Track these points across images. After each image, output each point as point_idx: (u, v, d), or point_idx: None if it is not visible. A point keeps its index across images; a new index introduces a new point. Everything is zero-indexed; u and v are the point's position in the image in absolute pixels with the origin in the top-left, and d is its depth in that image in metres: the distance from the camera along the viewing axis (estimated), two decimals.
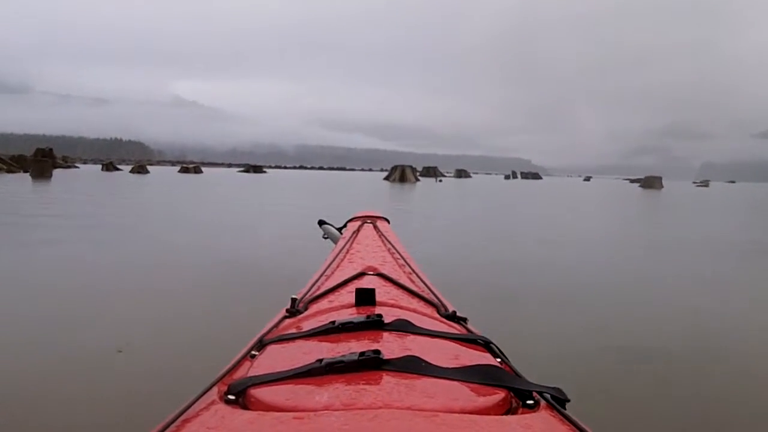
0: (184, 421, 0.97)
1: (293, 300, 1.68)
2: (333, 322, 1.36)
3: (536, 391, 1.07)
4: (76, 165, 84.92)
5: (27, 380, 3.66)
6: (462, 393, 1.03)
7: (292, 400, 0.99)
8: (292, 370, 1.09)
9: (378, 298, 1.60)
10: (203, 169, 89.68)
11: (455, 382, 1.07)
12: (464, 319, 1.63)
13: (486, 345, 1.38)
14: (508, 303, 6.17)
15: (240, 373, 1.20)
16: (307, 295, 1.78)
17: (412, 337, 1.32)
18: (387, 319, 1.36)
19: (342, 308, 1.59)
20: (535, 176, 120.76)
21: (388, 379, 1.06)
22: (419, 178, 70.04)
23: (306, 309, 1.66)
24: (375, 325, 1.34)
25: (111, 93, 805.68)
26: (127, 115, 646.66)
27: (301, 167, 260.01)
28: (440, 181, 70.89)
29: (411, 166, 68.97)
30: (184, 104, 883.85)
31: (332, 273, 2.11)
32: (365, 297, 1.58)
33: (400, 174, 65.95)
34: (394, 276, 1.96)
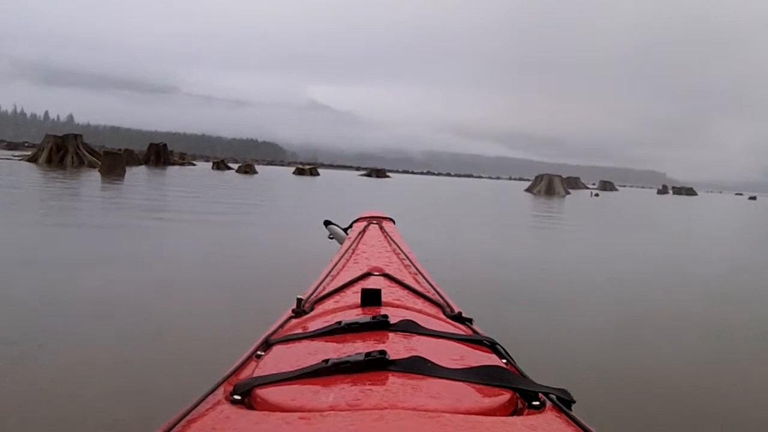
0: (190, 421, 0.98)
1: (299, 300, 1.69)
2: (339, 323, 1.38)
3: (542, 392, 1.07)
4: (193, 162, 79.95)
5: None
6: (467, 394, 1.05)
7: (298, 400, 1.00)
8: (297, 370, 1.11)
9: (384, 298, 1.61)
10: (324, 171, 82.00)
11: (461, 383, 1.08)
12: (470, 320, 1.64)
13: (492, 346, 1.38)
14: None
15: (246, 373, 1.21)
16: (312, 296, 1.80)
17: (417, 337, 1.33)
18: (393, 320, 1.37)
19: (348, 309, 1.61)
20: (689, 192, 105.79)
21: (394, 380, 1.07)
22: (569, 191, 58.32)
23: (312, 309, 1.67)
24: (381, 325, 1.35)
25: (249, 96, 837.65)
26: (263, 118, 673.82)
27: (429, 173, 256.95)
28: (597, 195, 58.94)
29: (559, 176, 57.70)
30: (318, 108, 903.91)
31: (338, 273, 2.12)
32: (371, 297, 1.59)
33: (547, 185, 55.07)
34: (399, 276, 1.97)
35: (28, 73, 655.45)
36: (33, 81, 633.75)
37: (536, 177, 58.54)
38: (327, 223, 3.90)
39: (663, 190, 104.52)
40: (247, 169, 59.12)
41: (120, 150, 61.76)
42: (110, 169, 32.64)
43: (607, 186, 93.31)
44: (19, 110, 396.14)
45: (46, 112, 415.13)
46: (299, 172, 68.34)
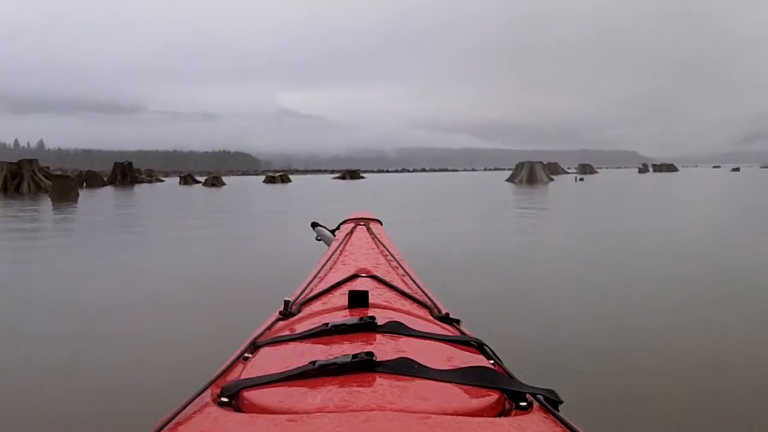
0: (177, 423, 0.97)
1: (286, 302, 1.68)
2: (326, 324, 1.37)
3: (529, 393, 1.07)
4: (162, 179, 77.35)
5: None
6: (455, 395, 1.04)
7: (286, 402, 1.00)
8: (285, 372, 1.11)
9: (371, 300, 1.60)
10: (299, 177, 79.30)
11: (448, 384, 1.07)
12: (457, 321, 1.62)
13: (479, 347, 1.38)
14: None
15: (233, 376, 1.21)
16: (300, 297, 1.80)
17: (405, 339, 1.32)
18: (380, 321, 1.37)
19: (335, 310, 1.60)
20: (670, 168, 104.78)
21: (381, 381, 1.07)
22: (552, 177, 56.10)
23: (299, 311, 1.66)
24: (368, 327, 1.34)
25: (219, 108, 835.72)
26: (234, 129, 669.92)
27: (404, 170, 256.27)
28: (582, 179, 56.70)
29: (541, 162, 55.62)
30: (289, 114, 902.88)
31: (325, 275, 2.11)
32: (358, 299, 1.58)
33: (529, 173, 52.90)
34: (387, 278, 1.96)
35: None
36: (0, 111, 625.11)
37: (516, 165, 56.12)
38: (314, 224, 3.86)
39: (643, 169, 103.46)
40: (214, 182, 57.21)
41: (80, 172, 59.60)
42: (61, 195, 30.08)
43: (586, 169, 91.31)
44: None
45: (16, 140, 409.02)
46: (270, 180, 66.56)
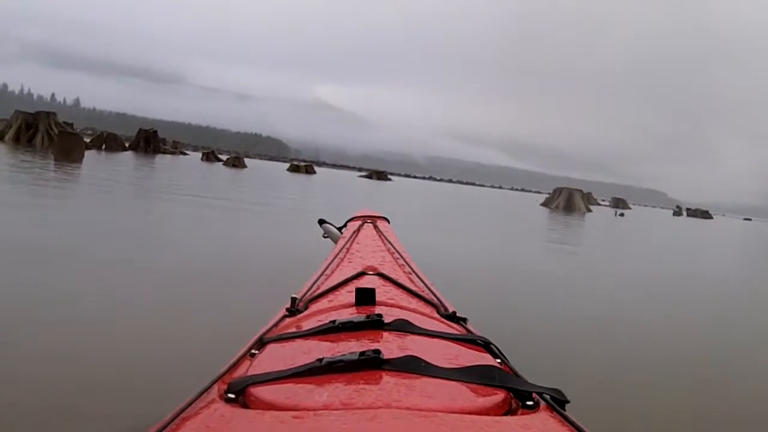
0: (184, 419, 0.97)
1: (293, 299, 1.69)
2: (333, 322, 1.37)
3: (536, 392, 1.07)
4: (185, 152, 75.40)
5: None
6: (461, 393, 1.05)
7: (292, 399, 1.00)
8: (291, 369, 1.10)
9: (378, 297, 1.59)
10: (325, 170, 76.46)
11: (455, 383, 1.08)
12: (464, 320, 1.62)
13: (486, 345, 1.38)
14: None
15: (240, 372, 1.21)
16: (307, 295, 1.79)
17: (411, 337, 1.32)
18: (387, 319, 1.36)
19: (342, 308, 1.59)
20: (705, 215, 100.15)
21: (388, 379, 1.07)
22: (590, 208, 52.61)
23: (306, 308, 1.66)
24: (375, 324, 1.34)
25: (255, 90, 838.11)
26: (268, 113, 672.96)
27: (431, 178, 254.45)
28: (622, 215, 52.86)
29: (580, 190, 51.97)
30: (323, 106, 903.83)
31: (332, 272, 2.10)
32: (365, 296, 1.58)
33: (567, 200, 49.27)
34: (393, 276, 1.96)
35: (37, 55, 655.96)
36: (41, 64, 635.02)
37: (554, 190, 52.67)
38: (321, 221, 3.83)
39: (678, 212, 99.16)
40: (236, 163, 53.89)
41: (100, 133, 57.31)
42: (65, 152, 27.91)
43: (619, 204, 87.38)
44: (26, 91, 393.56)
45: (53, 95, 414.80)
46: (294, 169, 62.88)
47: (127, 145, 55.00)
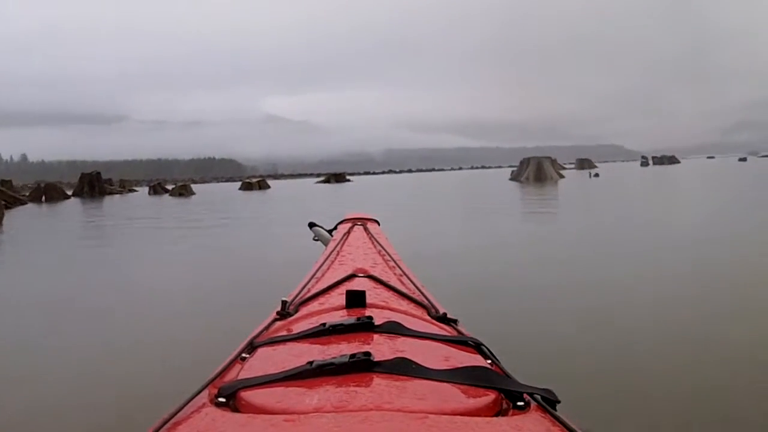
0: (175, 424, 0.97)
1: (284, 302, 1.68)
2: (323, 324, 1.36)
3: (527, 393, 1.07)
4: (135, 189, 71.99)
5: None
6: (452, 395, 1.04)
7: (283, 402, 0.99)
8: (282, 372, 1.10)
9: (368, 300, 1.58)
10: (283, 182, 73.06)
11: (446, 384, 1.07)
12: (455, 321, 1.62)
13: (477, 347, 1.38)
14: None
15: (230, 376, 1.21)
16: (297, 298, 1.78)
17: (402, 339, 1.32)
18: (377, 321, 1.36)
19: (332, 310, 1.59)
20: (672, 160, 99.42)
21: (379, 381, 1.06)
22: (562, 174, 49.94)
23: (296, 311, 1.65)
24: (365, 327, 1.34)
25: (204, 115, 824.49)
26: (220, 135, 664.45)
27: (390, 171, 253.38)
28: (597, 175, 50.20)
29: (549, 158, 49.43)
30: (274, 120, 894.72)
31: (323, 275, 2.10)
32: (355, 299, 1.57)
33: (536, 170, 46.66)
34: (384, 278, 1.96)
35: None
36: None
37: (521, 162, 49.85)
38: (311, 225, 3.83)
39: (645, 162, 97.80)
40: (182, 191, 50.99)
41: (38, 184, 54.07)
42: None
43: (585, 164, 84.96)
44: None
45: None
46: (246, 187, 59.96)
47: (71, 191, 52.04)
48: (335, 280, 1.87)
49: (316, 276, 2.10)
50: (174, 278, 9.43)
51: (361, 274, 1.95)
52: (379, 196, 35.45)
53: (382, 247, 2.57)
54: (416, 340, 1.32)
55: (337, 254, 2.43)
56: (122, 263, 11.40)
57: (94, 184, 57.13)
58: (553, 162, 49.34)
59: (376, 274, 1.97)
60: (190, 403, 1.03)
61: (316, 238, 3.77)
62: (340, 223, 3.45)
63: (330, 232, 3.55)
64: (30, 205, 39.51)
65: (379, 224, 3.45)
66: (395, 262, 2.33)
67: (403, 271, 2.18)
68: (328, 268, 2.19)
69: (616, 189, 32.35)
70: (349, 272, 1.95)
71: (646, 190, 31.58)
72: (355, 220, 3.32)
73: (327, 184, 69.96)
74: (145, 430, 0.94)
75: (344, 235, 2.92)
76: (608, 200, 24.19)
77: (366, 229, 3.08)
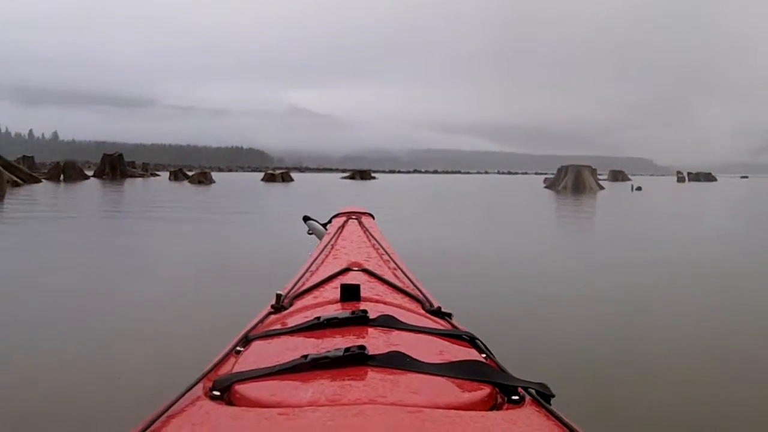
0: (169, 417, 0.97)
1: (278, 296, 1.67)
2: (318, 318, 1.35)
3: (521, 387, 1.07)
4: (157, 173, 72.38)
5: None
6: (447, 388, 1.04)
7: (277, 395, 0.99)
8: (276, 365, 1.10)
9: (363, 293, 1.58)
10: (308, 175, 71.25)
11: (440, 378, 1.07)
12: (449, 315, 1.62)
13: (471, 340, 1.38)
14: None
15: (225, 369, 1.20)
16: (291, 291, 1.77)
17: (397, 332, 1.31)
18: (372, 315, 1.35)
19: (327, 304, 1.58)
20: (708, 177, 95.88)
21: (373, 375, 1.06)
22: (602, 185, 47.22)
23: (291, 305, 1.65)
24: (360, 320, 1.33)
25: (230, 104, 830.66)
26: (246, 126, 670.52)
27: (416, 171, 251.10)
28: (639, 189, 47.28)
29: (588, 167, 46.54)
30: (299, 112, 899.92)
31: (317, 269, 2.09)
32: (350, 293, 1.57)
33: (575, 179, 43.84)
34: (378, 272, 1.95)
35: (9, 95, 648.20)
36: (15, 102, 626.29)
37: (559, 169, 46.95)
38: (306, 218, 3.83)
39: (681, 178, 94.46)
40: (201, 179, 48.92)
41: (57, 163, 53.17)
42: None
43: (618, 176, 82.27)
44: (3, 130, 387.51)
45: (30, 131, 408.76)
46: (269, 178, 57.04)
47: (92, 172, 50.86)
48: (330, 273, 1.87)
49: (310, 269, 2.10)
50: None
51: (356, 268, 1.95)
52: (418, 198, 33.00)
53: (377, 241, 2.56)
54: (411, 333, 1.32)
55: (332, 248, 2.42)
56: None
57: (115, 165, 56.17)
58: (592, 171, 46.54)
59: (370, 267, 1.97)
60: (184, 397, 1.03)
61: (310, 231, 3.74)
62: (335, 216, 3.43)
63: (324, 225, 3.54)
64: (44, 184, 38.46)
65: (373, 218, 3.44)
66: (389, 255, 2.32)
67: (397, 265, 2.17)
68: (322, 262, 2.17)
69: (672, 205, 29.70)
70: (344, 266, 1.96)
71: (708, 207, 28.90)
72: (349, 214, 3.30)
73: (352, 181, 69.20)
74: (138, 423, 0.93)
75: (339, 228, 2.89)
76: (676, 217, 21.63)
77: (360, 222, 3.05)
